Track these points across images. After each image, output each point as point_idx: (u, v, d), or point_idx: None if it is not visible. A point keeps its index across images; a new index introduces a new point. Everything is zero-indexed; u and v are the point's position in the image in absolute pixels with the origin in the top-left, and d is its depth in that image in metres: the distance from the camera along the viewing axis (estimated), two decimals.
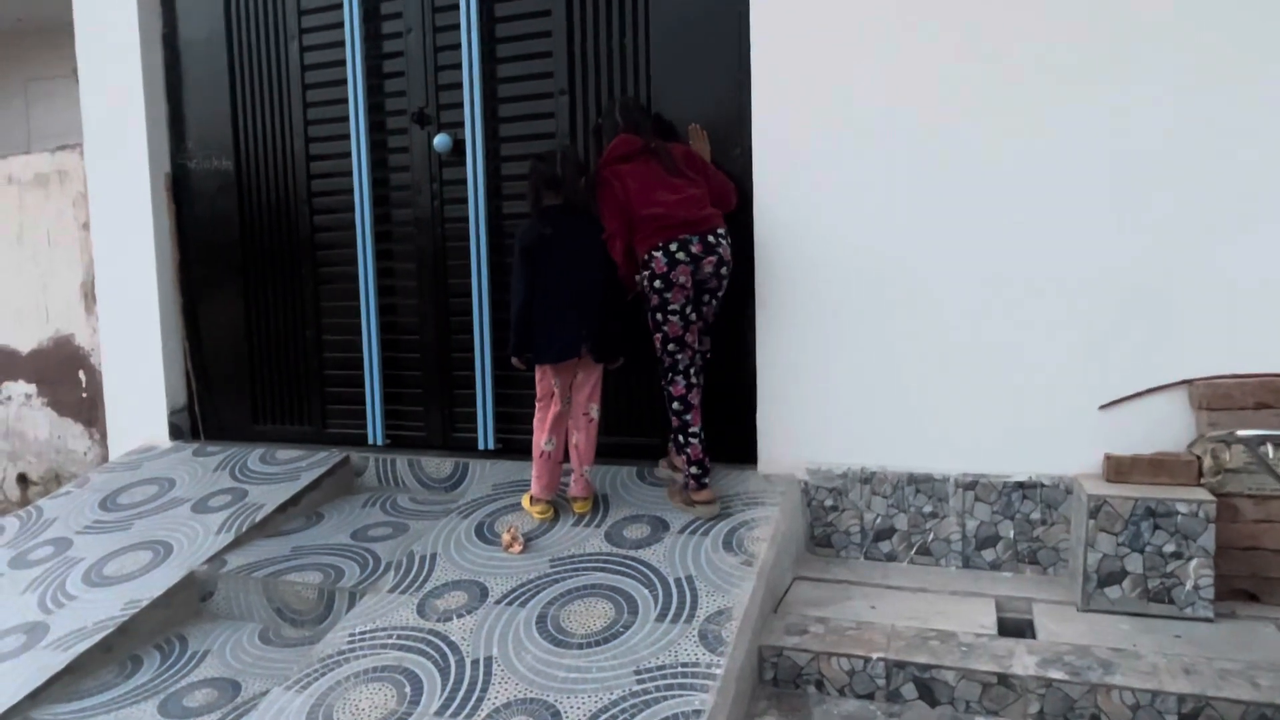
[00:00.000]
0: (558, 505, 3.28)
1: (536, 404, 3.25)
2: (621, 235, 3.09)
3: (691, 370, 3.13)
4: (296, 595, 3.11)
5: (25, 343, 4.95)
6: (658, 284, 3.03)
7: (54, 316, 4.85)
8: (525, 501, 3.30)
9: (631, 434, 3.62)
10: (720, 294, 3.17)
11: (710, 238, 3.03)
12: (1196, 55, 2.85)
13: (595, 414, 3.26)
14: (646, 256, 3.04)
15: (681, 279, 3.01)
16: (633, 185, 3.06)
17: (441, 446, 4.00)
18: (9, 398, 5.02)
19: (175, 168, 4.38)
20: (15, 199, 4.88)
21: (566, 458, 3.29)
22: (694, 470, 3.11)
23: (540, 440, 3.22)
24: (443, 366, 3.98)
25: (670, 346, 3.10)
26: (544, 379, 3.21)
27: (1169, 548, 2.72)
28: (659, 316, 3.08)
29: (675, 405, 3.13)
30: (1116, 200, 2.95)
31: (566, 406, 3.23)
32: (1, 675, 2.78)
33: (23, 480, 5.04)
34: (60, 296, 4.83)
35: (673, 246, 3.00)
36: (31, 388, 4.96)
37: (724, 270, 3.08)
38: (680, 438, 3.14)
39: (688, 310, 3.07)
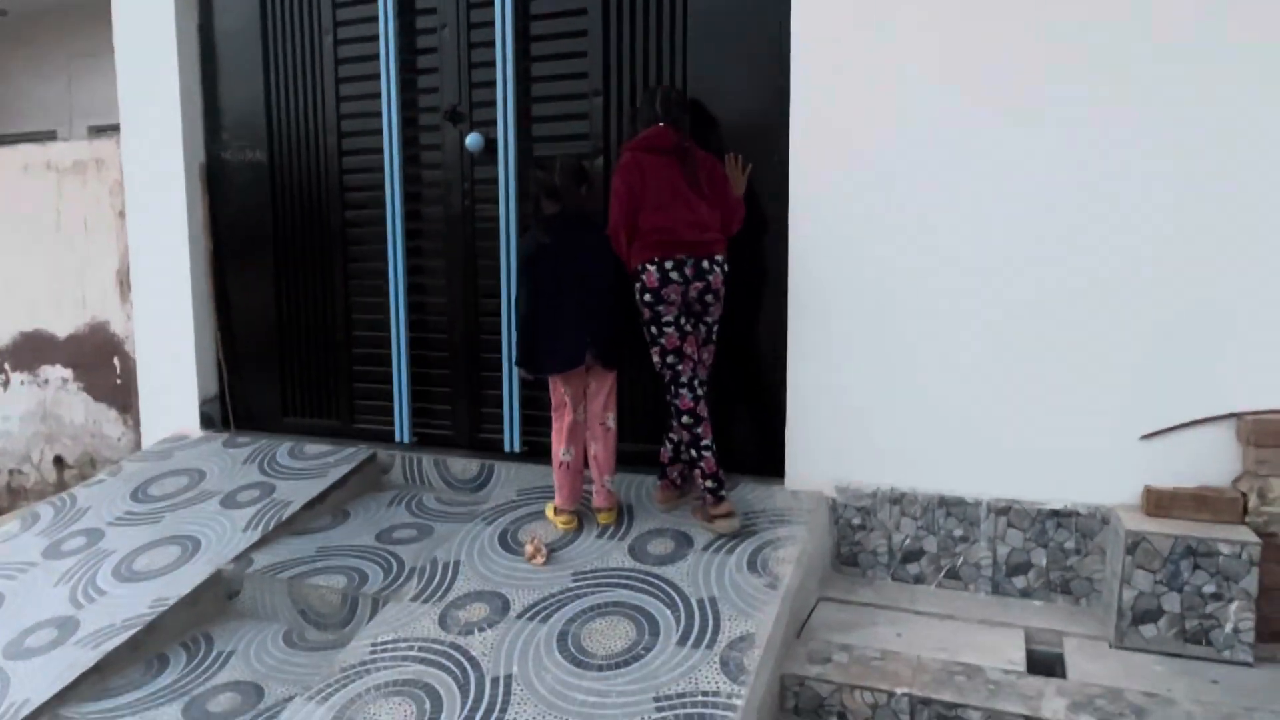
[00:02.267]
0: (582, 515, 3.26)
1: (552, 414, 3.24)
2: (625, 228, 3.06)
3: (695, 382, 3.08)
4: (321, 598, 3.13)
5: (62, 328, 5.02)
6: (648, 298, 3.02)
7: (90, 303, 4.90)
8: (549, 511, 3.29)
9: (655, 441, 3.56)
10: (708, 319, 3.13)
11: (705, 263, 3.01)
12: (1235, 73, 2.73)
13: (611, 423, 3.23)
14: (640, 268, 3.02)
15: (672, 296, 3.01)
16: (650, 183, 3.03)
17: (467, 446, 3.99)
18: (46, 381, 5.11)
19: (209, 158, 4.38)
20: (54, 185, 4.93)
21: (588, 466, 3.27)
22: (709, 484, 3.06)
23: (558, 451, 3.21)
24: (470, 366, 3.96)
25: (670, 359, 3.07)
26: (555, 389, 3.21)
27: (1209, 588, 2.64)
28: (654, 330, 3.06)
29: (685, 419, 3.07)
30: (1165, 225, 2.84)
31: (582, 416, 3.21)
32: (33, 671, 2.83)
33: (59, 462, 5.14)
34: (96, 283, 4.89)
35: (668, 264, 2.98)
36: (68, 372, 5.03)
37: (709, 298, 3.07)
38: (692, 451, 3.08)
39: (682, 321, 3.05)
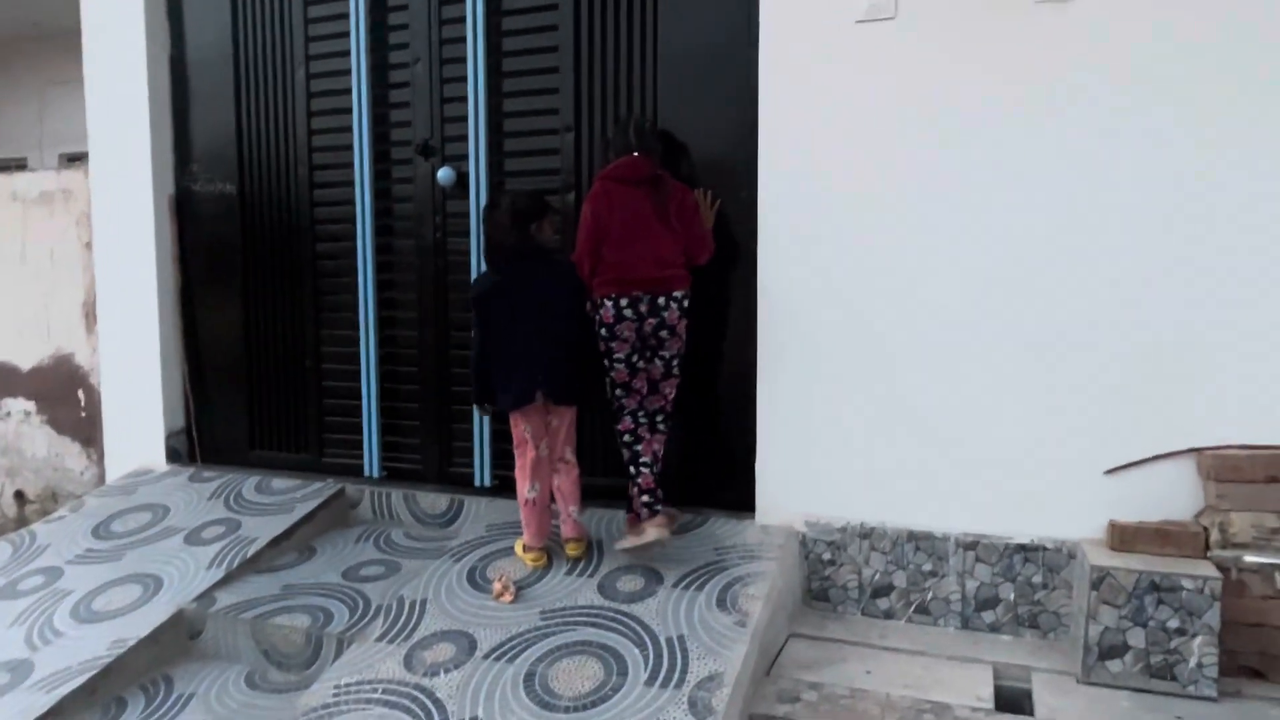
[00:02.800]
0: (552, 551, 3.23)
1: (515, 451, 3.23)
2: (589, 257, 3.12)
3: (639, 414, 3.16)
4: (284, 639, 3.07)
5: (26, 360, 4.94)
6: (604, 332, 3.10)
7: (55, 334, 4.83)
8: (518, 548, 3.26)
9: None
10: (665, 352, 3.15)
11: (661, 299, 3.06)
12: (1197, 110, 2.79)
13: (571, 457, 3.23)
14: (598, 300, 3.09)
15: (626, 333, 3.09)
16: (617, 215, 3.08)
17: (437, 481, 3.96)
18: (8, 414, 5.01)
19: (179, 190, 4.36)
20: (20, 216, 4.87)
21: (556, 500, 3.25)
22: (645, 499, 3.10)
23: (523, 488, 3.19)
24: (441, 399, 3.94)
25: (617, 391, 3.17)
26: (515, 426, 3.20)
27: (1173, 623, 2.66)
28: (606, 362, 3.14)
29: (625, 438, 3.17)
30: (1126, 261, 2.89)
31: (545, 452, 3.20)
32: None
33: (19, 497, 5.03)
34: (61, 315, 4.82)
35: (623, 302, 3.05)
36: (31, 405, 4.94)
37: (664, 333, 3.11)
38: (631, 469, 3.14)
39: (634, 359, 3.12)
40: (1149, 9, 2.82)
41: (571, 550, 3.20)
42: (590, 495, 3.39)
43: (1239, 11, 2.74)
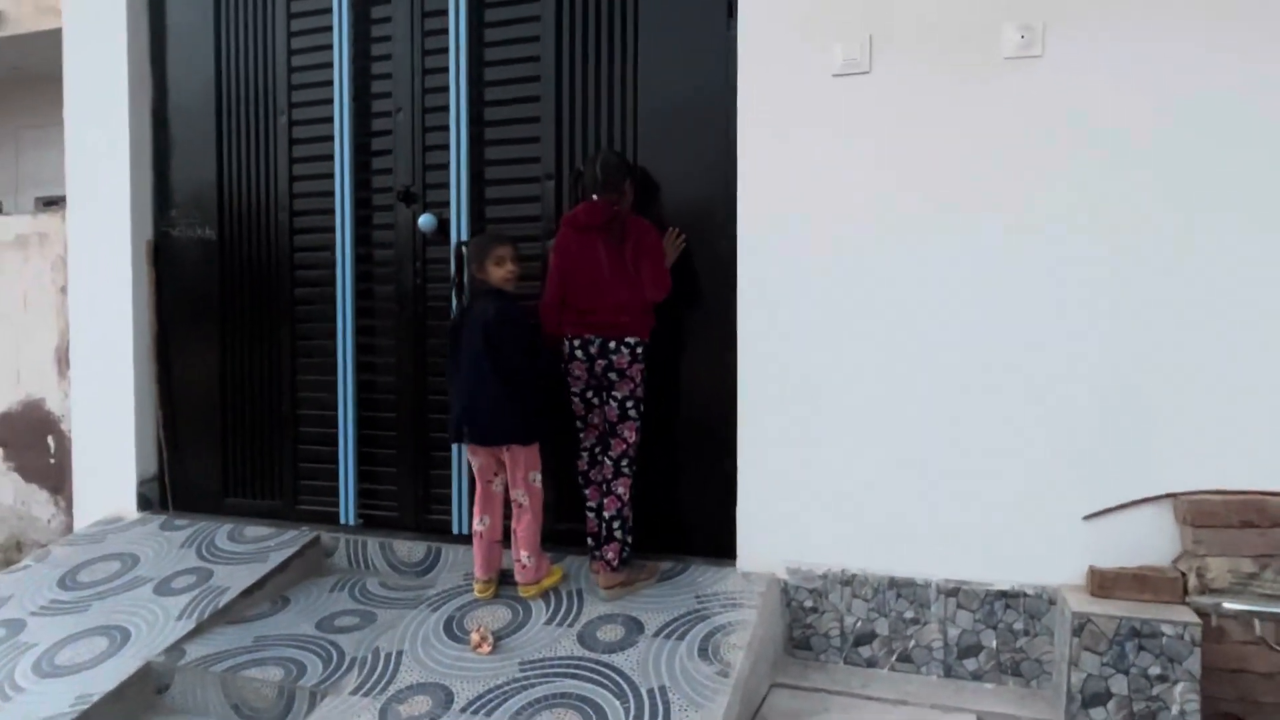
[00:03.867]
0: (501, 585, 3.32)
1: None
2: (555, 305, 3.29)
3: (596, 449, 3.30)
4: (255, 693, 2.99)
5: None
6: (563, 367, 3.29)
7: (25, 380, 4.75)
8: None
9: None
10: (616, 394, 3.24)
11: (613, 343, 3.20)
12: (1172, 159, 2.87)
13: (524, 500, 3.25)
14: (561, 337, 3.29)
15: (577, 371, 3.27)
16: (580, 264, 3.22)
17: (414, 528, 3.90)
18: None
19: (158, 235, 4.34)
20: None
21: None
22: (589, 541, 3.27)
23: (474, 519, 3.31)
24: (418, 446, 3.91)
25: (576, 423, 3.34)
26: (470, 457, 3.33)
27: (1154, 670, 2.66)
28: (565, 395, 3.31)
29: (578, 479, 3.33)
30: (1101, 308, 2.94)
31: (497, 488, 3.32)
32: None
33: None
34: (33, 360, 4.74)
35: (576, 342, 3.24)
36: None
37: (613, 375, 3.22)
38: (585, 510, 3.28)
39: (588, 394, 3.29)
40: (1116, 60, 2.91)
41: (524, 593, 3.24)
42: (569, 541, 3.38)
43: (1208, 57, 2.83)
